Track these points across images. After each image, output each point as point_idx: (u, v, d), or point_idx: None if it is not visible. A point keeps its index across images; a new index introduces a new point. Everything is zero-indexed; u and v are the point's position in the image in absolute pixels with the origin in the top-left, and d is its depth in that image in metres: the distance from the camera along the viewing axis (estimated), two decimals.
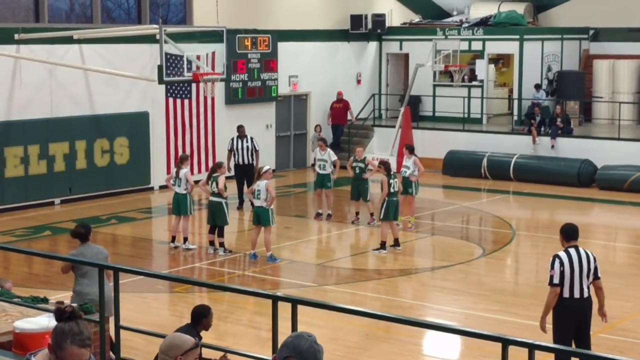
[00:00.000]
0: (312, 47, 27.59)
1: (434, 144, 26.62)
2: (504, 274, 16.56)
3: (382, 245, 16.85)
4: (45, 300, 9.17)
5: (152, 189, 23.33)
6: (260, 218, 16.03)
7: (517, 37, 28.05)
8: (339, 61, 28.67)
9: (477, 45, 28.65)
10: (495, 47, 28.90)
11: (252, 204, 16.72)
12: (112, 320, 8.20)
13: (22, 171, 20.78)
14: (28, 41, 20.64)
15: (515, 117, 28.18)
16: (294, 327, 6.89)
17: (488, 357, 10.48)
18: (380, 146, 27.38)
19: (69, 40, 21.39)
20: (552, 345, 7.61)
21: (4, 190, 20.52)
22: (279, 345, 4.24)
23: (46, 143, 21.12)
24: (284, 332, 5.14)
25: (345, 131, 27.87)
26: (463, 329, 7.81)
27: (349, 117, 27.95)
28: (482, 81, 28.50)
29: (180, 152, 22.87)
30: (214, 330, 8.92)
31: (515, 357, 6.19)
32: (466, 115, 27.96)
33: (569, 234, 9.93)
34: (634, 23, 28.71)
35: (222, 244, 16.76)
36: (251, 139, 21.21)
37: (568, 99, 27.63)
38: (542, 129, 25.91)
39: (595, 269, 9.79)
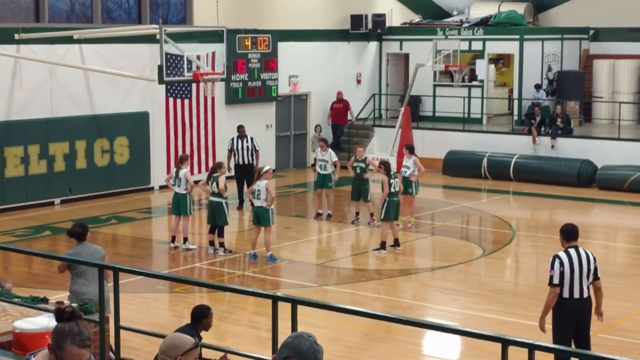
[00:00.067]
0: (312, 47, 27.59)
1: (434, 144, 26.62)
2: (504, 274, 16.56)
3: (382, 246, 16.85)
4: (45, 300, 9.17)
5: (152, 189, 23.33)
6: (261, 218, 16.03)
7: (517, 37, 28.05)
8: (339, 61, 28.68)
9: (477, 45, 28.65)
10: (496, 47, 28.90)
11: (252, 204, 16.72)
12: (111, 320, 8.20)
13: (22, 171, 20.78)
14: (28, 41, 20.64)
15: (516, 117, 28.18)
16: (294, 327, 6.89)
17: (488, 357, 10.48)
18: (380, 146, 27.38)
19: (69, 40, 21.39)
20: (552, 345, 7.61)
21: (4, 190, 20.52)
22: (279, 346, 4.24)
23: (46, 143, 21.12)
24: (284, 332, 5.13)
25: (346, 131, 27.87)
26: (463, 329, 7.81)
27: (349, 117, 27.95)
28: (482, 81, 28.50)
29: (180, 152, 22.87)
30: (214, 330, 8.92)
31: (515, 357, 6.19)
32: (466, 115, 27.96)
33: (569, 234, 9.93)
34: (634, 23, 28.70)
35: (222, 244, 16.75)
36: (251, 139, 21.21)
37: (568, 99, 27.62)
38: (542, 129, 25.91)
39: (595, 269, 9.79)
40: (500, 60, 32.08)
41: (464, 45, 27.40)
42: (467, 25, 29.59)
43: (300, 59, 27.07)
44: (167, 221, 19.34)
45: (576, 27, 29.89)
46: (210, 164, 21.36)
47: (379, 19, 28.94)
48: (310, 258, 16.98)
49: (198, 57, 19.89)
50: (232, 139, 21.33)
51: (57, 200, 21.52)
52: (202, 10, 24.32)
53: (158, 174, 23.08)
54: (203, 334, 8.57)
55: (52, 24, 21.64)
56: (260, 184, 15.93)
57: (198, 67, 19.84)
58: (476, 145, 26.05)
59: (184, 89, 23.13)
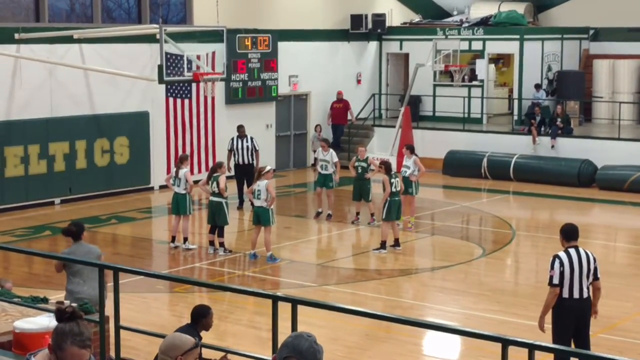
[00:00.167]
0: (312, 47, 27.59)
1: (434, 143, 26.62)
2: (504, 274, 16.56)
3: (382, 245, 16.86)
4: (45, 300, 9.17)
5: (152, 188, 23.33)
6: (261, 218, 16.03)
7: (517, 37, 28.05)
8: (339, 61, 28.67)
9: (477, 45, 28.65)
10: (496, 46, 28.89)
11: (252, 203, 16.72)
12: (111, 320, 8.19)
13: (22, 171, 20.78)
14: (28, 41, 20.64)
15: (516, 117, 28.18)
16: (294, 327, 6.89)
17: (488, 357, 10.48)
18: (381, 146, 27.38)
19: (69, 40, 21.40)
20: (551, 345, 7.61)
21: (4, 190, 20.52)
22: (279, 345, 4.24)
23: (46, 143, 21.12)
24: (284, 332, 5.13)
25: (346, 131, 27.88)
26: (463, 329, 7.82)
27: (349, 117, 27.95)
28: (482, 81, 28.49)
29: (180, 152, 22.87)
30: (214, 330, 8.92)
31: (515, 357, 6.19)
32: (466, 115, 27.96)
33: (569, 234, 9.93)
34: (634, 23, 28.70)
35: (222, 244, 16.75)
36: (251, 138, 21.21)
37: (568, 98, 27.62)
38: (542, 128, 25.92)
39: (595, 269, 9.79)
40: (500, 60, 32.08)
41: (464, 45, 27.40)
42: (467, 25, 29.59)
43: (300, 58, 27.06)
44: (167, 221, 19.34)
45: (576, 27, 29.89)
46: (210, 164, 21.37)
47: (379, 19, 28.94)
48: (311, 258, 16.98)
49: (198, 57, 19.88)
50: (232, 139, 21.33)
51: (57, 200, 21.52)
52: (202, 10, 24.32)
53: (158, 174, 23.08)
54: (203, 333, 8.57)
55: (52, 23, 21.65)
56: (261, 184, 15.93)
57: (198, 67, 19.84)
58: (476, 145, 26.05)
59: (184, 88, 23.13)
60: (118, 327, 7.96)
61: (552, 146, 25.39)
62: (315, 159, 22.04)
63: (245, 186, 20.55)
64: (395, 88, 30.60)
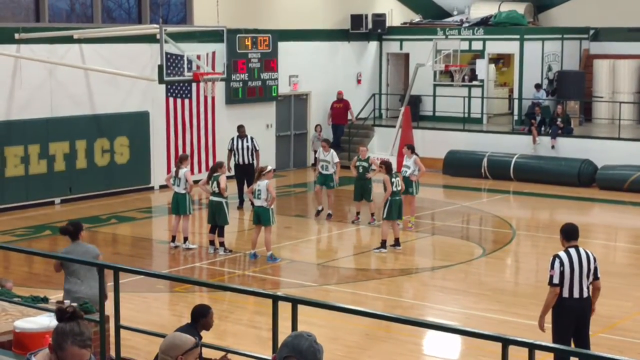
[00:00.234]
0: (312, 47, 27.59)
1: (434, 143, 26.62)
2: (504, 274, 16.56)
3: (383, 244, 16.86)
4: (45, 300, 9.19)
5: (152, 188, 23.33)
6: (261, 218, 16.03)
7: (518, 36, 28.05)
8: (339, 61, 28.68)
9: (477, 45, 28.65)
10: (496, 46, 28.89)
11: (252, 203, 16.72)
12: (111, 320, 8.20)
13: (23, 171, 20.78)
14: (28, 41, 20.64)
15: (516, 117, 28.18)
16: (294, 326, 6.89)
17: (488, 356, 10.49)
18: (381, 146, 27.37)
19: (69, 39, 21.40)
20: (552, 345, 7.61)
21: (4, 189, 20.52)
22: (279, 345, 4.24)
23: (46, 143, 21.12)
24: (284, 331, 5.14)
25: (346, 131, 27.88)
26: (463, 328, 7.82)
27: (349, 117, 27.96)
28: (482, 81, 28.49)
29: (180, 152, 22.87)
30: (214, 329, 8.92)
31: (516, 357, 6.19)
32: (466, 115, 27.96)
33: (569, 234, 9.93)
34: (634, 23, 28.70)
35: (222, 244, 16.76)
36: (251, 138, 21.21)
37: (568, 98, 27.62)
38: (543, 128, 25.92)
39: (595, 269, 9.79)
40: (501, 60, 32.08)
41: (464, 45, 27.40)
42: (467, 25, 29.59)
43: (301, 58, 27.06)
44: (167, 221, 19.34)
45: (576, 27, 29.89)
46: (210, 164, 21.37)
47: (379, 19, 28.94)
48: (311, 258, 16.99)
49: (198, 57, 19.88)
50: (232, 139, 21.34)
51: (57, 200, 21.52)
52: (202, 10, 24.32)
53: (158, 174, 23.08)
54: (203, 333, 8.57)
55: (52, 23, 21.65)
56: (261, 184, 15.93)
57: (198, 67, 19.84)
58: (476, 145, 26.05)
59: (184, 88, 23.13)
60: (118, 327, 7.97)
61: (552, 146, 25.39)
62: (316, 159, 22.04)
63: (245, 186, 20.56)
64: (396, 88, 30.60)
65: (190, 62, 19.45)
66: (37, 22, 21.46)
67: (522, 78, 28.11)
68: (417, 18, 31.06)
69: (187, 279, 14.54)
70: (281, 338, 4.46)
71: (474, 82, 28.57)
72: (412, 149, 19.13)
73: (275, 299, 7.15)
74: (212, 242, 16.85)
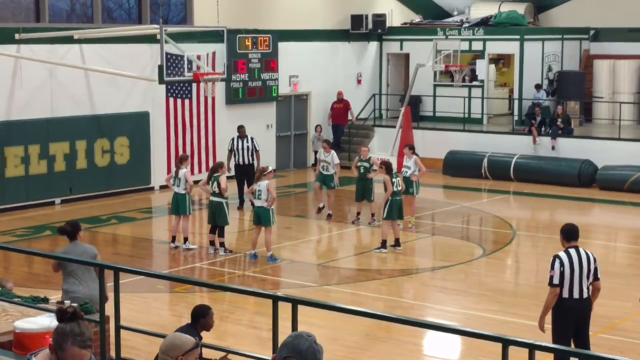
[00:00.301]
0: (312, 47, 27.60)
1: (434, 144, 26.63)
2: (505, 274, 16.56)
3: (383, 244, 16.86)
4: (45, 300, 9.18)
5: (152, 189, 23.33)
6: (261, 218, 16.04)
7: (518, 37, 28.05)
8: (339, 61, 28.68)
9: (477, 45, 28.65)
10: (496, 47, 28.89)
11: (252, 204, 16.72)
12: (111, 320, 8.20)
13: (23, 171, 20.79)
14: (28, 41, 20.64)
15: (516, 117, 28.18)
16: (294, 327, 6.89)
17: (488, 357, 10.48)
18: (381, 146, 27.37)
19: (69, 40, 21.40)
20: (552, 345, 7.61)
21: (4, 190, 20.53)
22: (279, 345, 4.24)
23: (46, 143, 21.12)
24: (284, 332, 5.14)
25: (346, 131, 27.88)
26: (463, 329, 7.82)
27: (349, 117, 27.96)
28: (482, 81, 28.50)
29: (180, 152, 22.87)
30: (214, 330, 8.92)
31: (516, 357, 6.19)
32: (466, 116, 27.96)
33: (569, 234, 9.93)
34: (634, 23, 28.71)
35: (222, 244, 16.76)
36: (251, 139, 21.21)
37: (568, 99, 27.62)
38: (543, 129, 25.92)
39: (595, 269, 9.79)
40: (501, 61, 32.08)
41: (464, 45, 27.40)
42: (467, 25, 29.59)
43: (301, 59, 27.06)
44: (168, 221, 19.34)
45: (576, 27, 29.90)
46: (211, 164, 21.37)
47: (379, 19, 28.94)
48: (311, 258, 16.99)
49: (198, 57, 19.88)
50: (233, 139, 21.34)
51: (57, 200, 21.53)
52: (202, 10, 24.32)
53: (158, 174, 23.08)
54: (204, 333, 8.57)
55: (52, 23, 21.65)
56: (261, 184, 15.94)
57: (198, 67, 19.84)
58: (476, 145, 26.05)
59: (184, 89, 23.13)
60: (118, 327, 7.97)
61: (553, 146, 25.39)
62: (317, 159, 22.04)
63: (245, 186, 20.56)
64: (396, 88, 30.60)
65: (190, 62, 19.45)
66: (37, 23, 21.46)
67: (522, 78, 28.11)
68: (417, 18, 31.06)
69: (187, 279, 14.54)
70: (281, 338, 4.46)
71: (474, 83, 28.57)
72: (412, 149, 19.14)
73: (276, 300, 7.15)
74: (212, 243, 16.85)
